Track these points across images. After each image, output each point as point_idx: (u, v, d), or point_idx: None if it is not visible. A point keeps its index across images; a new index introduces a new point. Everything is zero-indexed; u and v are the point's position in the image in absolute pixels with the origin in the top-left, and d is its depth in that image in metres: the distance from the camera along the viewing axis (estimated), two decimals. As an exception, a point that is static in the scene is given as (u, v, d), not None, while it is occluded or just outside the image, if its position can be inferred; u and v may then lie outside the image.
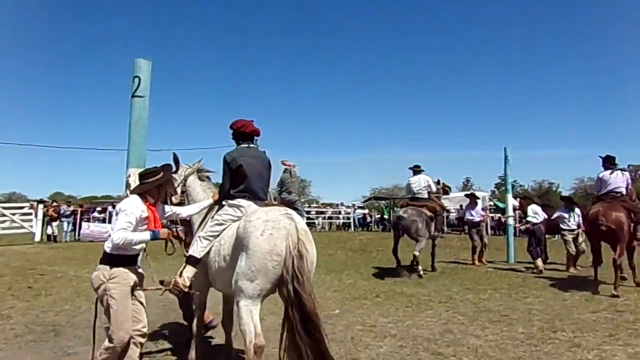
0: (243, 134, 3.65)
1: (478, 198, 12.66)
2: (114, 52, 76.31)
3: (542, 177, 58.97)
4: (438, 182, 10.26)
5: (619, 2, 69.45)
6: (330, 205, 32.28)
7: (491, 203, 23.46)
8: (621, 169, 8.17)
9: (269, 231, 2.99)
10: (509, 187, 11.28)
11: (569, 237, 9.70)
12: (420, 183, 9.66)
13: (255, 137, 3.73)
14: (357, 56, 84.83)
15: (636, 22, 69.34)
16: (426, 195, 9.59)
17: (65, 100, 79.27)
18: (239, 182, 3.51)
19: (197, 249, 3.46)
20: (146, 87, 4.06)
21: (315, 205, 32.01)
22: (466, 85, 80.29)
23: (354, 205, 29.83)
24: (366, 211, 29.63)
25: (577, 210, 9.82)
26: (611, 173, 7.97)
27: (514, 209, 11.70)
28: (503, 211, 13.62)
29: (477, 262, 10.73)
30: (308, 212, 27.68)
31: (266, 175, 3.71)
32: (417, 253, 8.83)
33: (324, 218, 27.29)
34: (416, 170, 9.83)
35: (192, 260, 3.45)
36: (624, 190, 7.90)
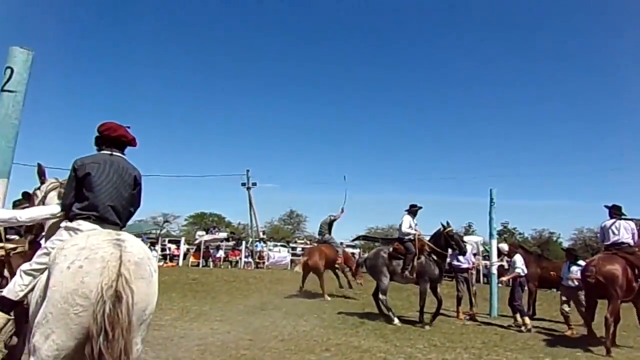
0: (108, 138, 2.86)
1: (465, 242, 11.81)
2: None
3: (542, 226, 57.84)
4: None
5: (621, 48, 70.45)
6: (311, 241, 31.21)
7: (484, 248, 22.45)
8: (626, 219, 7.54)
9: (79, 262, 2.18)
10: (494, 231, 10.40)
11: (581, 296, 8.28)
12: (405, 224, 9.11)
13: (126, 146, 2.95)
14: (358, 93, 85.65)
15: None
16: (409, 236, 8.91)
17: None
18: (84, 197, 2.68)
19: (14, 287, 2.57)
20: (21, 82, 3.37)
21: (302, 242, 30.86)
22: (470, 130, 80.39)
23: (341, 243, 28.77)
24: (356, 250, 28.49)
25: (581, 262, 8.30)
26: (615, 223, 7.43)
27: (501, 255, 10.77)
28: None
29: (460, 315, 9.73)
30: (294, 249, 26.66)
31: (126, 194, 2.83)
32: (381, 297, 8.71)
33: (310, 255, 26.21)
34: (410, 210, 9.39)
35: (5, 304, 2.57)
36: (631, 242, 7.28)
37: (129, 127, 2.95)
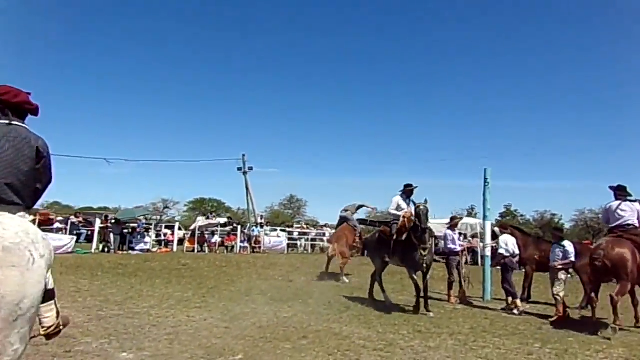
0: (7, 104, 2.42)
1: (460, 219, 11.51)
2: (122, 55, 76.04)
3: (544, 207, 57.61)
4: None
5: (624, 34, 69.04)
6: (315, 226, 31.02)
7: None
8: (632, 200, 7.33)
9: None
10: (488, 212, 10.02)
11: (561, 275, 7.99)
12: (392, 204, 8.89)
13: (27, 115, 2.52)
14: (359, 78, 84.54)
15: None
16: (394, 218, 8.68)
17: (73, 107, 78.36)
18: None
19: None
20: None
21: (298, 226, 30.64)
22: (476, 114, 79.42)
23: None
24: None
25: (565, 243, 8.11)
26: (621, 204, 7.22)
27: (497, 238, 10.40)
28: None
29: (452, 299, 9.43)
30: (290, 233, 26.43)
31: (26, 168, 2.38)
32: (376, 279, 8.96)
33: (306, 240, 25.98)
34: (404, 190, 8.99)
35: None
36: (637, 223, 7.12)
37: (29, 94, 2.54)
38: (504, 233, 9.07)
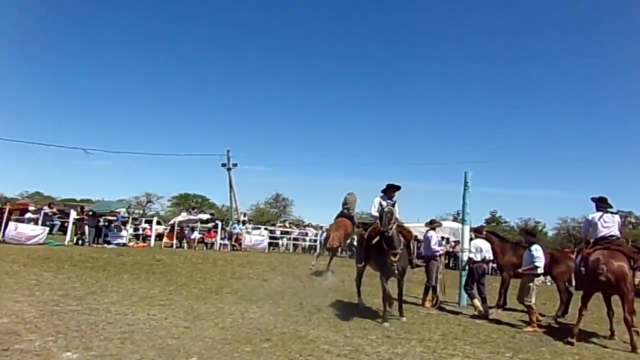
0: None
1: (439, 225, 11.30)
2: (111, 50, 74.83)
3: (528, 215, 58.43)
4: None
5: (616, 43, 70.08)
6: (298, 225, 30.69)
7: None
8: (612, 212, 7.45)
9: None
10: (466, 217, 9.83)
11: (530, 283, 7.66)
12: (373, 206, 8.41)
13: None
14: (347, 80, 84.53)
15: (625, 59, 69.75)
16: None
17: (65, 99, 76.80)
18: None
19: None
20: None
21: (282, 225, 30.27)
22: (462, 122, 79.98)
23: (322, 227, 28.18)
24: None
25: (533, 248, 7.68)
26: (603, 216, 7.25)
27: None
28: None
29: (427, 303, 9.23)
30: (272, 232, 26.07)
31: None
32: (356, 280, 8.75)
33: (289, 239, 25.64)
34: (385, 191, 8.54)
35: None
36: (618, 234, 7.28)
37: None
38: (478, 237, 8.91)
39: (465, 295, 9.63)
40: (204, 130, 79.83)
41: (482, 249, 8.64)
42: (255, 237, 24.34)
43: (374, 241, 7.34)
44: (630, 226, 57.74)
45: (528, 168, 76.23)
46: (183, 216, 24.39)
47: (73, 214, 19.26)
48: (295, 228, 28.76)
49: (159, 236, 23.52)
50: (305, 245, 26.05)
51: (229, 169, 30.04)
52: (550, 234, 55.85)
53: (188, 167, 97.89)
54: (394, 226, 7.01)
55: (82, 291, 7.94)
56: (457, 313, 8.68)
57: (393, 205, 7.44)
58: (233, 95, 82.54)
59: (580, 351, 6.18)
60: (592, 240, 7.38)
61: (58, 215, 21.14)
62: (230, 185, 30.08)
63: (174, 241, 22.05)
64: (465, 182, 9.72)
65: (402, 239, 7.37)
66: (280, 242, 25.25)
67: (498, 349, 5.94)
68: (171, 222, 24.02)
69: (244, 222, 28.52)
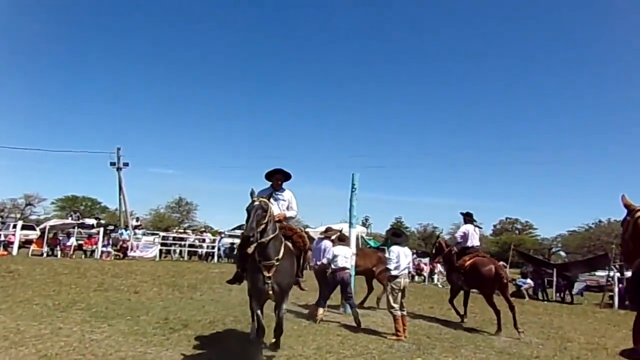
0: None
1: (337, 231, 10.86)
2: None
3: (427, 221, 62.26)
4: None
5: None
6: (194, 231, 28.93)
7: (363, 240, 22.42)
8: (477, 225, 9.17)
9: None
10: (353, 220, 9.53)
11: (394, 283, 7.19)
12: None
13: None
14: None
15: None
16: None
17: None
18: None
19: None
20: None
21: (181, 230, 28.33)
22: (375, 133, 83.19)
23: (220, 233, 26.80)
24: (236, 241, 26.82)
25: (392, 248, 7.40)
26: (475, 228, 9.02)
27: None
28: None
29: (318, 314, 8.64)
30: (165, 238, 24.11)
31: None
32: None
33: (182, 245, 23.82)
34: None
35: None
36: (478, 243, 9.06)
37: None
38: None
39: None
40: (104, 129, 73.39)
41: (344, 255, 8.20)
42: (145, 244, 22.30)
43: (250, 249, 5.05)
44: (517, 232, 64.34)
45: (429, 176, 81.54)
46: (54, 220, 21.51)
47: None
48: (191, 233, 27.01)
49: (28, 243, 20.55)
50: (202, 252, 24.44)
51: (118, 169, 27.36)
52: (447, 237, 59.85)
53: (77, 167, 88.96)
54: (270, 227, 4.93)
55: None
56: (341, 324, 8.13)
57: (270, 199, 5.34)
58: (141, 93, 77.33)
59: (455, 358, 6.03)
60: (458, 249, 8.93)
61: None
62: (120, 187, 27.43)
63: (45, 248, 19.35)
64: (353, 184, 9.45)
65: (285, 246, 5.18)
66: (171, 249, 23.38)
67: (372, 361, 5.52)
68: (41, 226, 21.08)
69: (135, 228, 26.18)
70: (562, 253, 51.15)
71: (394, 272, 7.10)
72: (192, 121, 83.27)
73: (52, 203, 52.35)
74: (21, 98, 72.32)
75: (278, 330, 5.18)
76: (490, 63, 78.81)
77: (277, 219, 5.40)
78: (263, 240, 4.78)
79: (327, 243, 8.73)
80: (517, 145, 77.51)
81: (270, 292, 4.95)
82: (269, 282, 4.90)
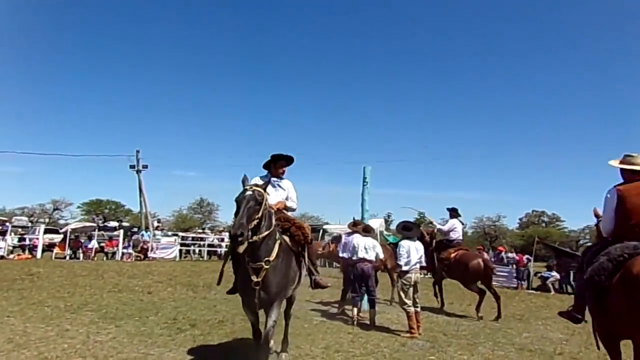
0: None
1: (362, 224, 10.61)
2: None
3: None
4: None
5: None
6: (213, 231, 29.10)
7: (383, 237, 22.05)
8: (461, 221, 9.94)
9: None
10: (366, 214, 9.27)
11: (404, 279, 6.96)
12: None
13: None
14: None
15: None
16: None
17: None
18: None
19: None
20: None
21: (201, 231, 28.56)
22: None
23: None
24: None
25: (400, 243, 7.25)
26: (457, 223, 9.68)
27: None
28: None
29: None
30: (184, 238, 24.32)
31: None
32: None
33: (201, 245, 23.97)
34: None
35: None
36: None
37: None
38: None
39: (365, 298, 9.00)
40: (129, 133, 74.91)
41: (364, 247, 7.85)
42: (163, 246, 22.50)
43: (241, 248, 4.09)
44: (544, 224, 62.73)
45: (452, 171, 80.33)
46: (75, 223, 21.92)
47: None
48: (210, 233, 27.19)
49: (52, 246, 20.98)
50: (221, 251, 24.55)
51: (138, 171, 27.74)
52: (469, 232, 58.58)
53: (102, 171, 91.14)
54: (265, 223, 4.09)
55: None
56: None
57: (266, 187, 4.28)
58: (164, 97, 78.71)
59: (471, 356, 5.73)
60: (443, 241, 9.55)
61: None
62: (140, 189, 27.79)
63: (67, 251, 19.71)
64: (364, 178, 9.19)
65: (280, 244, 4.35)
66: (191, 249, 23.56)
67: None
68: (63, 229, 21.50)
69: (155, 229, 26.49)
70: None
71: (404, 268, 6.81)
72: (215, 124, 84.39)
73: (78, 207, 53.53)
74: (46, 104, 74.37)
75: (265, 346, 4.37)
76: (520, 56, 76.75)
77: (276, 207, 4.70)
78: (255, 239, 3.95)
79: (357, 237, 8.03)
80: (543, 138, 75.53)
81: (256, 300, 4.14)
82: (257, 287, 4.10)
